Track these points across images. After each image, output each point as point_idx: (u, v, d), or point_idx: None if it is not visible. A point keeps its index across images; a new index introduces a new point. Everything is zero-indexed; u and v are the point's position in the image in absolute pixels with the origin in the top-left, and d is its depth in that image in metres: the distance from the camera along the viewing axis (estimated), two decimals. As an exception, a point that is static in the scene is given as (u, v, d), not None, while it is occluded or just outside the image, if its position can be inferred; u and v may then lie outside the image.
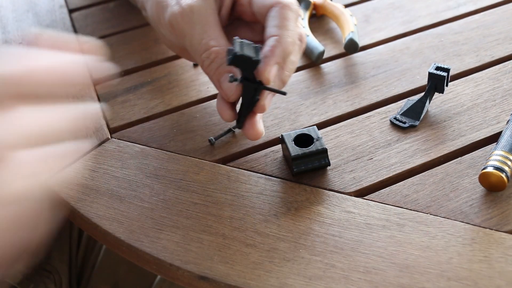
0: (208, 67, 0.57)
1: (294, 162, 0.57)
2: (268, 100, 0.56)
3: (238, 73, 0.54)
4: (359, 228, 0.53)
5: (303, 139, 0.59)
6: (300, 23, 0.58)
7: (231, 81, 0.53)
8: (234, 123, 0.59)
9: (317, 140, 0.58)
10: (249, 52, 0.52)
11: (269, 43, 0.54)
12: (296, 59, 0.58)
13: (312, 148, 0.58)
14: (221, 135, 0.63)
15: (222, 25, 0.60)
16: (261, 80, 0.53)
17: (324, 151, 0.58)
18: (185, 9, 0.57)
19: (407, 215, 0.54)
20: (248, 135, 0.56)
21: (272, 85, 0.54)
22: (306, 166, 0.58)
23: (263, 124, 0.57)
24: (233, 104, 0.57)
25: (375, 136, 0.61)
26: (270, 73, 0.53)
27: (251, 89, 0.54)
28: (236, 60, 0.52)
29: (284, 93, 0.54)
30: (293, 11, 0.55)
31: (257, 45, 0.54)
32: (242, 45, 0.52)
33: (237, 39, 0.53)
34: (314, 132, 0.59)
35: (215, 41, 0.57)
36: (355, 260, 0.51)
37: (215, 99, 0.62)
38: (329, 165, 0.58)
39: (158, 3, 0.60)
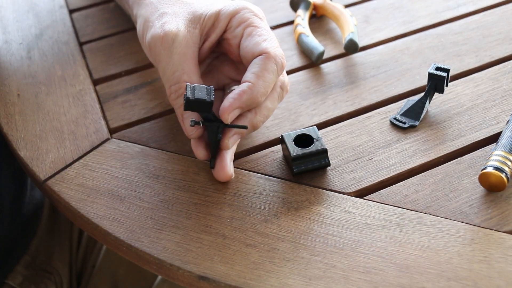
0: (174, 100, 0.58)
1: (294, 162, 0.57)
2: (233, 139, 0.57)
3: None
4: (359, 228, 0.53)
5: (303, 139, 0.59)
6: (282, 74, 0.58)
7: (192, 125, 0.55)
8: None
9: (317, 140, 0.58)
10: (200, 95, 0.53)
11: (241, 87, 0.55)
12: (272, 106, 0.58)
13: (312, 148, 0.58)
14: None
15: (202, 59, 0.60)
16: (221, 120, 0.55)
17: (324, 151, 0.58)
18: (167, 35, 0.57)
19: (407, 215, 0.54)
20: (217, 177, 0.57)
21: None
22: (306, 166, 0.58)
23: (233, 166, 0.58)
24: (206, 143, 0.58)
25: (375, 136, 0.62)
26: (229, 115, 0.54)
27: (214, 128, 0.55)
28: (190, 104, 0.53)
29: (245, 127, 0.56)
30: (277, 64, 0.56)
31: (209, 86, 0.54)
32: (194, 89, 0.53)
33: (188, 84, 0.54)
34: (314, 132, 0.59)
35: (187, 76, 0.57)
36: (355, 260, 0.51)
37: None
38: (329, 165, 0.58)
39: (145, 21, 0.60)
